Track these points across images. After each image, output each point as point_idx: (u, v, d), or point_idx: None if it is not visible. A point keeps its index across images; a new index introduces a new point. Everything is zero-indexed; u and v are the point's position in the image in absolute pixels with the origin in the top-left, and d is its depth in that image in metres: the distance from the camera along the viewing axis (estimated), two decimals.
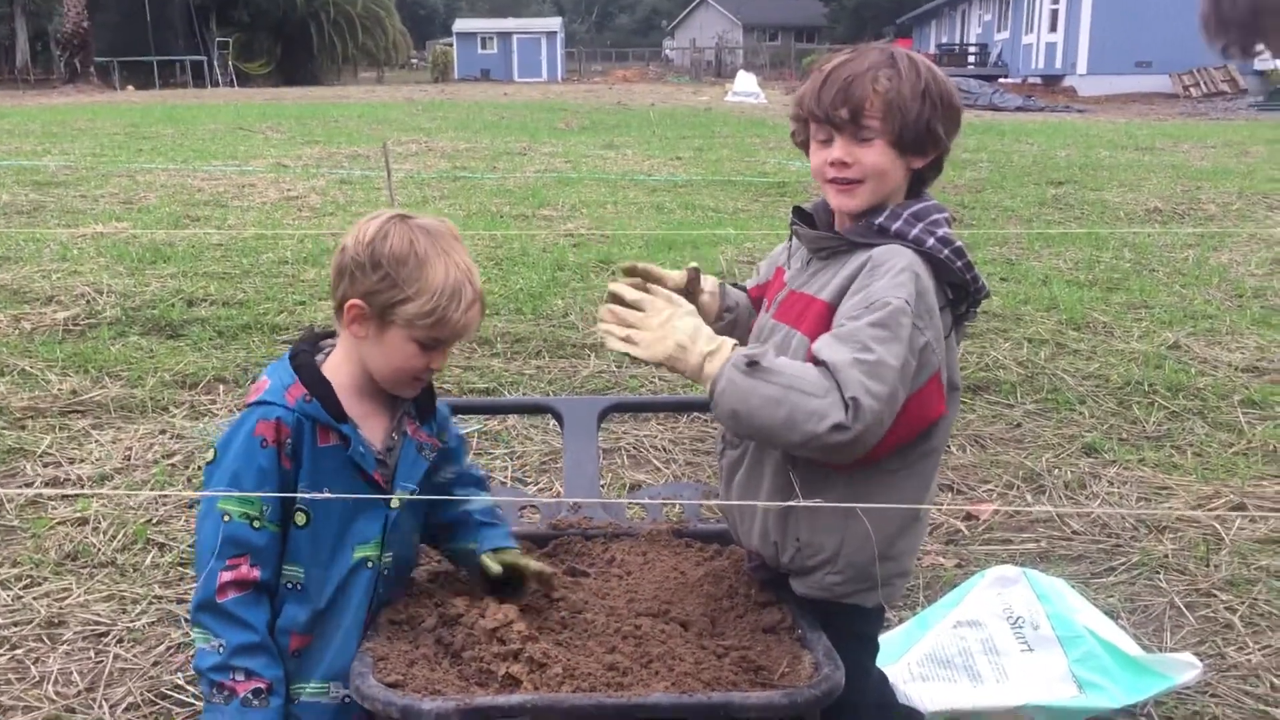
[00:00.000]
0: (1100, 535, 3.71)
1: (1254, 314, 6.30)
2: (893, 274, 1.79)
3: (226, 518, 1.76)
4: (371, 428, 1.90)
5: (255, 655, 1.76)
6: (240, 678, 1.75)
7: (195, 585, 1.78)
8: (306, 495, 1.80)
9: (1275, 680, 2.90)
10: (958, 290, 1.88)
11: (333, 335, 1.95)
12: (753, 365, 1.74)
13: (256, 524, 1.77)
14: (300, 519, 1.83)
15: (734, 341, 1.83)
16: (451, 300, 1.80)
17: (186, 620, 3.08)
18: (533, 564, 1.99)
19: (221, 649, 1.75)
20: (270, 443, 1.78)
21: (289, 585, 1.84)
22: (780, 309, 1.99)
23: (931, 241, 1.85)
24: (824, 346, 1.76)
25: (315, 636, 1.85)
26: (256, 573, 1.78)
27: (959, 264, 1.85)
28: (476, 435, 4.45)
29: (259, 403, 1.82)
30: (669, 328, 1.83)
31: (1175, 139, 17.05)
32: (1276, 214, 9.65)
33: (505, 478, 4.10)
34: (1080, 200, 10.35)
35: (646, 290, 1.91)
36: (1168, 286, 6.98)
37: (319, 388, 1.84)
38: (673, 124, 19.74)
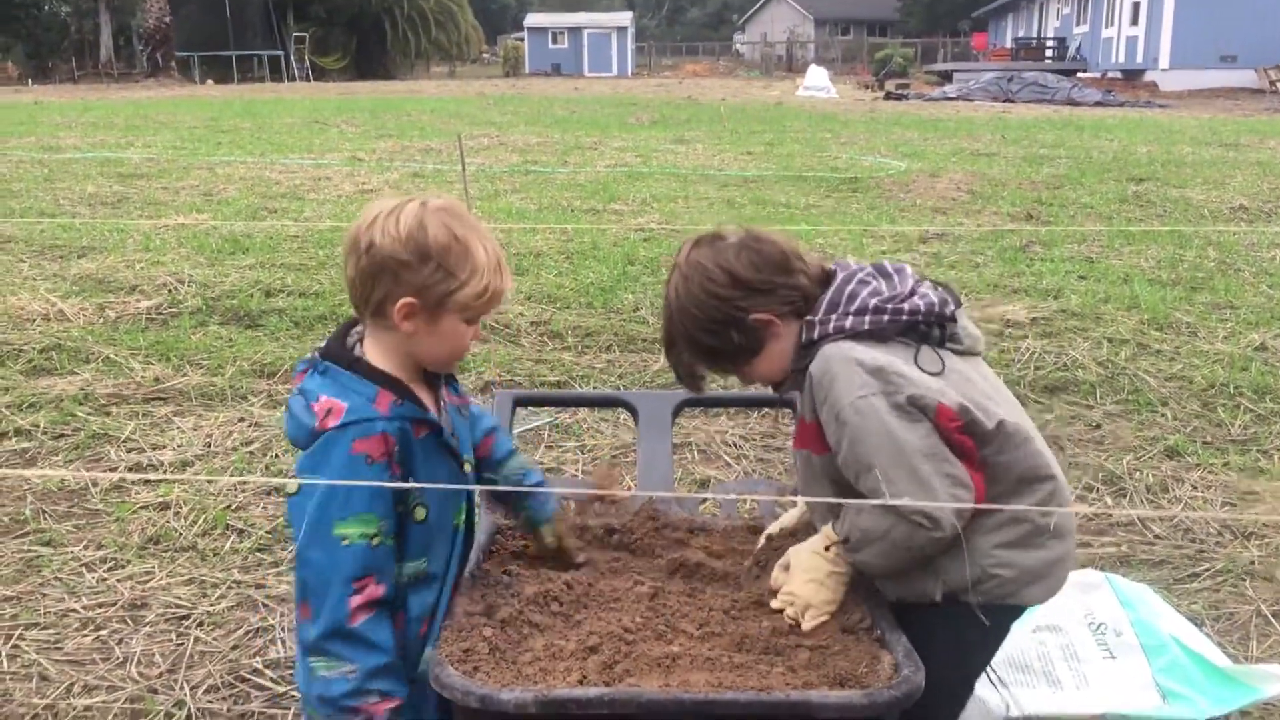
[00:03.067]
0: (1183, 540, 3.62)
1: None
2: (830, 385, 1.87)
3: (346, 541, 1.72)
4: (430, 409, 1.90)
5: (389, 676, 1.75)
6: (376, 700, 1.73)
7: (313, 613, 1.73)
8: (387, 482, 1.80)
9: None
10: (912, 326, 1.91)
11: (349, 330, 1.91)
12: (845, 543, 1.91)
13: (376, 541, 1.75)
14: (421, 513, 1.84)
15: (820, 533, 1.98)
16: (496, 274, 1.81)
17: (273, 600, 3.13)
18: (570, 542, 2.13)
19: (353, 674, 1.72)
20: (377, 458, 1.75)
21: (414, 579, 1.85)
22: (796, 436, 2.06)
23: (849, 323, 1.90)
24: (878, 486, 1.85)
25: (435, 614, 1.88)
26: (382, 590, 1.76)
27: (883, 318, 1.89)
28: (548, 429, 4.47)
29: (347, 424, 1.76)
30: (810, 583, 1.93)
31: (1262, 135, 16.58)
32: None
33: (576, 470, 4.11)
34: (1162, 197, 10.12)
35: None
36: (1254, 286, 6.80)
37: (400, 389, 1.82)
38: (743, 119, 19.67)
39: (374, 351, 1.85)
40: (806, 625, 1.89)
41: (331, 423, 1.76)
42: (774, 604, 1.96)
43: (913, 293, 1.94)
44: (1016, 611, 2.00)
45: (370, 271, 1.77)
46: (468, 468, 1.96)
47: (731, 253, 1.95)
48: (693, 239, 2.02)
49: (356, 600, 1.73)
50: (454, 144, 13.66)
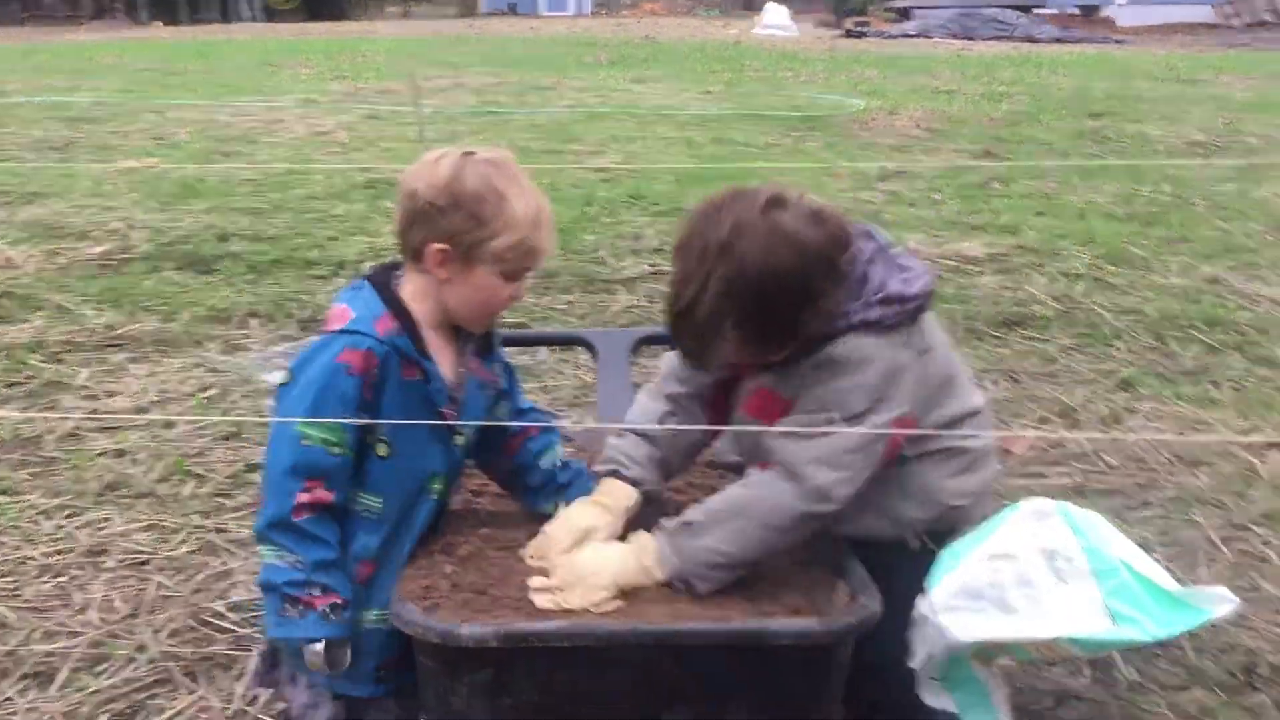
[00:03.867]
0: (1135, 469, 3.68)
1: None
2: (850, 373, 1.83)
3: (305, 440, 1.77)
4: (442, 363, 1.91)
5: (332, 571, 1.80)
6: (318, 593, 1.78)
7: (264, 501, 1.80)
8: (369, 421, 1.81)
9: None
10: (916, 309, 1.89)
11: (399, 266, 1.94)
12: (688, 526, 1.81)
13: (335, 450, 1.79)
14: (382, 450, 1.86)
15: (644, 535, 1.86)
16: (534, 228, 1.83)
17: (234, 544, 3.13)
18: None
19: (299, 565, 1.77)
20: (356, 371, 1.79)
21: (364, 515, 1.87)
22: (751, 405, 1.98)
23: (875, 315, 1.84)
24: (781, 445, 1.84)
25: (381, 564, 1.89)
26: (331, 496, 1.80)
27: (905, 308, 1.86)
28: None
29: (346, 331, 1.82)
30: (585, 572, 1.79)
31: (1217, 70, 16.67)
32: None
33: None
34: (1119, 133, 10.17)
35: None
36: (1208, 221, 6.87)
37: (407, 321, 1.85)
38: (703, 58, 19.50)
39: (408, 290, 1.89)
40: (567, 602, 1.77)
41: (335, 326, 1.83)
42: (538, 582, 1.81)
43: (903, 268, 1.91)
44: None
45: (410, 216, 1.84)
46: (460, 440, 1.96)
47: (812, 225, 1.81)
48: (749, 196, 1.82)
49: (304, 497, 1.77)
50: (410, 85, 13.47)
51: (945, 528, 1.98)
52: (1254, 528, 3.31)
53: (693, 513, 1.84)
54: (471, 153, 1.84)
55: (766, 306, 1.78)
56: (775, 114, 11.50)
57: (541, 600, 1.77)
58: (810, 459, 1.81)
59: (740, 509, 1.82)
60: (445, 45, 23.38)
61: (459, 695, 1.68)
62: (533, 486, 2.10)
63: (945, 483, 1.97)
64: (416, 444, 1.89)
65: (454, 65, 17.59)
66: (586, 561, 1.81)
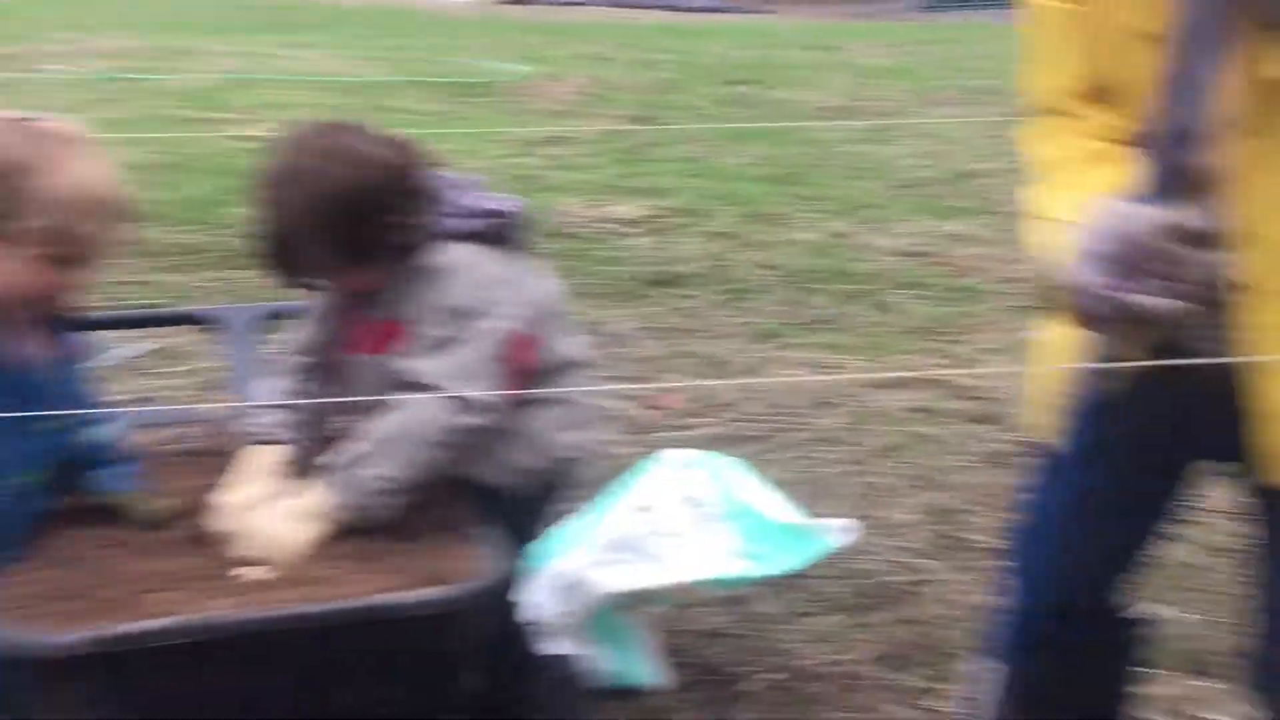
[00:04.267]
0: (774, 415, 3.93)
1: (913, 203, 6.81)
2: (456, 279, 1.90)
3: None
4: (20, 347, 1.74)
5: None
6: None
7: None
8: None
9: (923, 534, 3.21)
10: (507, 226, 1.99)
11: None
12: (352, 460, 1.81)
13: None
14: None
15: (311, 484, 1.85)
16: (66, 212, 1.63)
17: None
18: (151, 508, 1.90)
19: None
20: None
21: None
22: (370, 343, 2.00)
23: (472, 225, 1.94)
24: (414, 366, 1.88)
25: None
26: None
27: (496, 221, 1.97)
28: (154, 355, 4.20)
29: None
30: (269, 541, 1.77)
31: (853, 38, 17.93)
32: (937, 109, 10.37)
33: (184, 396, 3.89)
34: (763, 99, 10.74)
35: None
36: (840, 179, 7.40)
37: None
38: (366, 24, 18.94)
39: None
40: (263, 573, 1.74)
41: None
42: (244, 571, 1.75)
43: (488, 194, 2.00)
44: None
45: None
46: (51, 428, 1.77)
47: (387, 146, 1.92)
48: (323, 126, 1.96)
49: None
50: (27, 49, 12.32)
51: (553, 480, 2.04)
52: (877, 460, 3.62)
53: (354, 446, 1.83)
54: (24, 120, 1.67)
55: (355, 220, 1.86)
56: (440, 81, 11.36)
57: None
58: (444, 374, 1.86)
59: (397, 433, 1.83)
60: (77, 5, 21.46)
61: (59, 711, 1.55)
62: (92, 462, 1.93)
63: (555, 433, 2.03)
64: (8, 442, 1.71)
65: (87, 28, 16.18)
66: (265, 531, 1.77)
